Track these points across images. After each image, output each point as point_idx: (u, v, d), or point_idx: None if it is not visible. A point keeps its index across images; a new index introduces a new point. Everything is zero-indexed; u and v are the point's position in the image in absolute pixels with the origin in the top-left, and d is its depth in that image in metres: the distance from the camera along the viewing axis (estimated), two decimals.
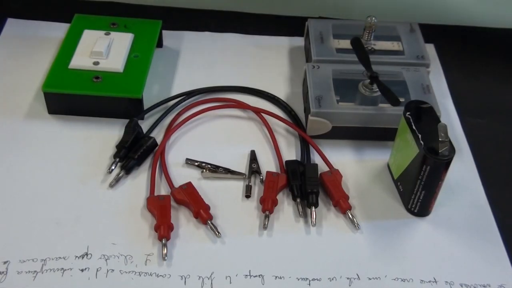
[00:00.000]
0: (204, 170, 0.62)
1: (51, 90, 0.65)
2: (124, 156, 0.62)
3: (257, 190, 0.62)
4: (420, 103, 0.60)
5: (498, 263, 0.57)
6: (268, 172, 0.62)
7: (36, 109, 0.68)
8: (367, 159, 0.65)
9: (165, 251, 0.55)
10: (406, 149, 0.59)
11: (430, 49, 0.79)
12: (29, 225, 0.57)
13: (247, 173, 0.63)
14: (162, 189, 0.61)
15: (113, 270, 0.54)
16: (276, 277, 0.55)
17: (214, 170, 0.62)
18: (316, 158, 0.65)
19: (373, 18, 0.69)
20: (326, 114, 0.64)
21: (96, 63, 0.67)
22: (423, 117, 0.58)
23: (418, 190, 0.58)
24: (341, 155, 0.65)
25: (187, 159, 0.63)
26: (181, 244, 0.57)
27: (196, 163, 0.63)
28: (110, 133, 0.65)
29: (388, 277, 0.56)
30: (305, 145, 0.66)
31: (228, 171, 0.62)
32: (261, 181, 0.62)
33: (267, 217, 0.59)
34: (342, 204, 0.59)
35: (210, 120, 0.68)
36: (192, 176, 0.62)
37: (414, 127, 0.57)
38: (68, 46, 0.69)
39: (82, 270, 0.54)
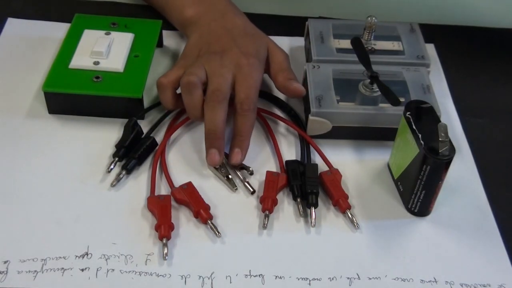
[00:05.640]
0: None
1: (51, 90, 0.65)
2: (123, 156, 0.62)
3: (252, 182, 0.62)
4: (420, 103, 0.60)
5: (498, 263, 0.57)
6: (268, 172, 0.62)
7: (36, 109, 0.68)
8: (367, 159, 0.66)
9: (166, 251, 0.55)
10: (406, 149, 0.59)
11: (430, 49, 0.79)
12: (29, 225, 0.57)
13: (240, 179, 0.62)
14: (163, 189, 0.61)
15: (113, 269, 0.54)
16: (276, 276, 0.55)
17: (217, 168, 0.62)
18: (316, 158, 0.65)
19: (373, 18, 0.69)
20: (326, 114, 0.64)
21: (96, 63, 0.67)
22: (423, 117, 0.58)
23: (418, 190, 0.58)
24: (341, 155, 0.65)
25: None
26: (182, 243, 0.57)
27: None
28: (111, 133, 0.65)
29: (388, 277, 0.56)
30: (305, 145, 0.66)
31: (227, 176, 0.62)
32: (251, 173, 0.62)
33: (267, 216, 0.59)
34: (341, 204, 0.59)
35: None
36: (192, 176, 0.62)
37: (414, 127, 0.57)
38: (68, 46, 0.69)
39: (82, 270, 0.54)
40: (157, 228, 0.56)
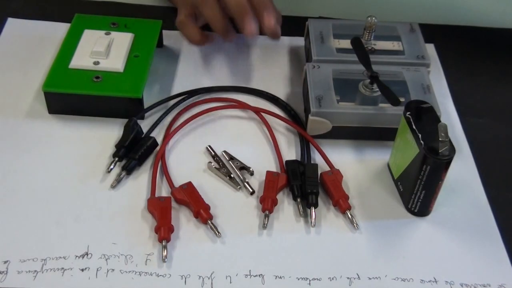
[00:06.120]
0: (212, 163, 0.62)
1: (51, 90, 0.65)
2: (123, 156, 0.62)
3: (252, 182, 0.62)
4: (420, 103, 0.60)
5: (498, 263, 0.57)
6: (268, 172, 0.62)
7: (36, 109, 0.68)
8: (367, 159, 0.66)
9: (165, 253, 0.55)
10: (406, 149, 0.59)
11: (430, 49, 0.79)
12: (29, 225, 0.57)
13: (240, 179, 0.62)
14: (163, 190, 0.61)
15: (113, 269, 0.54)
16: (276, 276, 0.55)
17: (218, 168, 0.62)
18: (317, 158, 0.65)
19: (373, 18, 0.69)
20: (326, 114, 0.64)
21: (96, 63, 0.67)
22: (423, 117, 0.58)
23: (418, 190, 0.58)
24: (341, 155, 0.65)
25: (209, 145, 0.64)
26: (181, 244, 0.57)
27: (212, 153, 0.64)
28: (111, 133, 0.65)
29: (388, 276, 0.56)
30: (305, 145, 0.66)
31: (229, 176, 0.62)
32: (251, 173, 0.62)
33: (266, 216, 0.59)
34: (341, 204, 0.59)
35: (211, 121, 0.68)
36: (192, 176, 0.62)
37: (414, 127, 0.57)
38: (69, 46, 0.69)
39: (82, 270, 0.54)
40: (157, 230, 0.56)
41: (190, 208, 0.59)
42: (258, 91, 0.72)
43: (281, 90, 0.72)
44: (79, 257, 0.55)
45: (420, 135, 0.56)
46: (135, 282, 0.54)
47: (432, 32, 0.78)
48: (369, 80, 0.66)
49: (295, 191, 0.60)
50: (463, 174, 0.64)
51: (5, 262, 0.54)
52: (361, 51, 0.65)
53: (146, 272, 0.54)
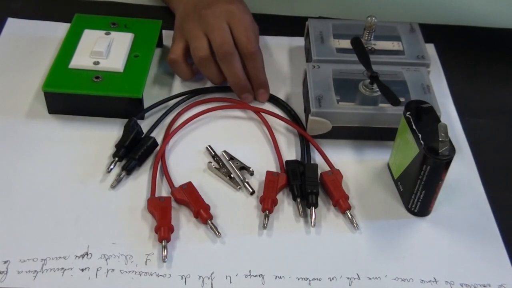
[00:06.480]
0: (212, 163, 0.62)
1: (51, 90, 0.65)
2: (123, 156, 0.62)
3: (252, 182, 0.62)
4: (420, 103, 0.60)
5: (498, 263, 0.57)
6: (268, 172, 0.62)
7: (36, 109, 0.68)
8: (367, 159, 0.66)
9: (165, 253, 0.55)
10: (406, 149, 0.59)
11: (430, 49, 0.79)
12: (29, 225, 0.57)
13: (240, 179, 0.62)
14: (163, 190, 0.61)
15: (113, 269, 0.54)
16: (276, 276, 0.55)
17: (218, 168, 0.62)
18: (317, 158, 0.65)
19: (373, 18, 0.69)
20: (326, 114, 0.64)
21: (96, 63, 0.67)
22: (423, 117, 0.58)
23: (418, 190, 0.58)
24: (341, 155, 0.65)
25: (209, 145, 0.64)
26: (181, 244, 0.57)
27: (212, 153, 0.64)
28: (110, 133, 0.65)
29: (388, 277, 0.56)
30: (305, 145, 0.66)
31: (229, 176, 0.62)
32: (251, 173, 0.62)
33: (266, 216, 0.59)
34: (341, 204, 0.59)
35: (210, 120, 0.68)
36: (192, 176, 0.62)
37: (414, 127, 0.57)
38: (68, 46, 0.69)
39: (82, 270, 0.54)
40: (157, 230, 0.56)
41: (190, 208, 0.59)
42: None
43: (281, 90, 0.72)
44: (79, 257, 0.55)
45: (420, 135, 0.56)
46: (135, 282, 0.54)
47: (432, 32, 0.78)
48: (369, 80, 0.66)
49: (295, 191, 0.60)
50: (463, 174, 0.64)
51: (5, 262, 0.54)
52: (361, 51, 0.65)
53: (146, 272, 0.54)
